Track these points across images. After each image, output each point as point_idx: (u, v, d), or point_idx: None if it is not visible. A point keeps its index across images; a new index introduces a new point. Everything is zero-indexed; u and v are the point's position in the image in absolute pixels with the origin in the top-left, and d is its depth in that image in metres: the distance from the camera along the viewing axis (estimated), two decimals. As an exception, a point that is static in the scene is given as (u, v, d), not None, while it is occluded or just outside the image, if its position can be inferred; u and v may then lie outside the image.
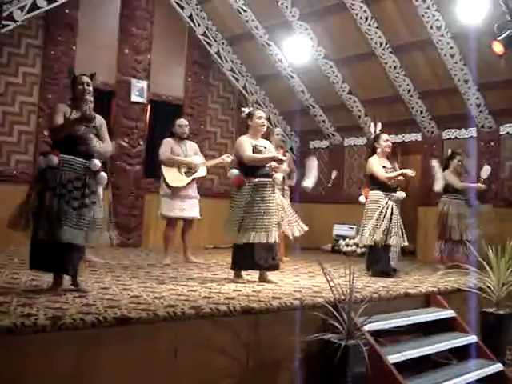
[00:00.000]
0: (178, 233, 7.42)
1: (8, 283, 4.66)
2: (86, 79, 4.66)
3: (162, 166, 7.16)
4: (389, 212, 6.66)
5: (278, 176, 5.74)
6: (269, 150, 5.78)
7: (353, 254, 9.64)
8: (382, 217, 6.65)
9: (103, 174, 4.63)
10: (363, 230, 6.75)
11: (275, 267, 5.75)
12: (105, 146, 4.73)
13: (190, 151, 7.36)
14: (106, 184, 4.90)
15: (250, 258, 5.58)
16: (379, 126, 7.18)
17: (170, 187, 7.11)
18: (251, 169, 5.60)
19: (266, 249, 5.58)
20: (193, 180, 7.26)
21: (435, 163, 8.20)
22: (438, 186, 8.05)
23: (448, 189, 8.00)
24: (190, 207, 7.22)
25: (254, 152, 5.61)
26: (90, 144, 4.58)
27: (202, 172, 7.35)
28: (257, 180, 5.57)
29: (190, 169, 7.23)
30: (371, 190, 6.90)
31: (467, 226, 7.84)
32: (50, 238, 4.31)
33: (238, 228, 5.52)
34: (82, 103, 4.58)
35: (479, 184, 8.01)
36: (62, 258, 4.42)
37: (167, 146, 7.19)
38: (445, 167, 8.14)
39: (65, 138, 4.47)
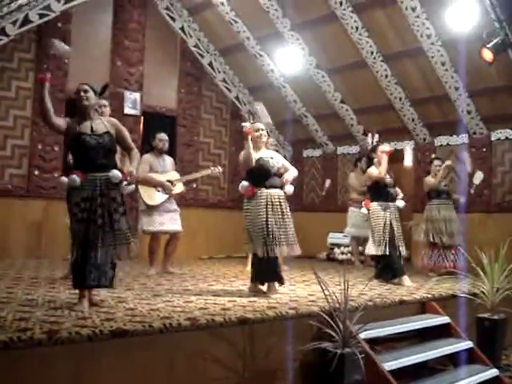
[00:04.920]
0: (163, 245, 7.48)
1: (4, 297, 4.65)
2: (83, 87, 4.54)
3: (139, 185, 7.16)
4: (392, 222, 6.81)
5: (289, 188, 5.74)
6: (276, 159, 5.74)
7: (348, 262, 9.67)
8: (386, 227, 6.79)
9: (125, 183, 4.53)
10: (371, 241, 6.88)
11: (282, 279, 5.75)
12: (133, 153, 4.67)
13: (169, 166, 7.46)
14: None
15: (272, 269, 5.57)
16: (376, 137, 7.23)
17: (146, 204, 7.17)
18: (261, 180, 5.59)
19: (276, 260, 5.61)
20: (170, 197, 7.28)
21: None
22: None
23: (431, 194, 8.07)
24: (169, 221, 7.25)
25: (257, 164, 5.62)
26: (108, 155, 4.51)
27: (178, 188, 7.38)
28: (269, 191, 5.57)
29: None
30: (372, 201, 7.00)
31: (455, 231, 7.88)
32: (88, 259, 4.24)
33: (263, 241, 5.44)
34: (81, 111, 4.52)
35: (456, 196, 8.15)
36: (101, 274, 4.35)
37: (146, 164, 7.21)
38: (427, 174, 8.23)
39: (80, 152, 4.42)
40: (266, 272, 5.59)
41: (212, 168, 7.61)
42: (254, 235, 5.51)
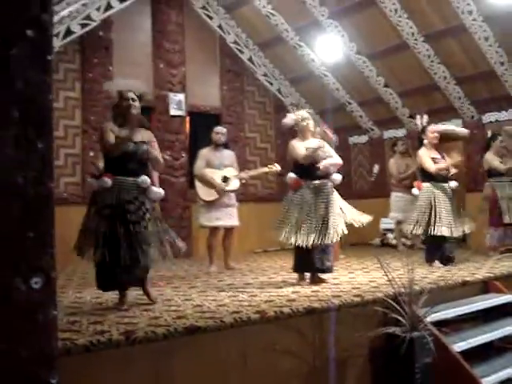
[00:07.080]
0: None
1: (74, 303, 4.80)
2: (131, 94, 4.65)
3: (196, 180, 7.28)
4: (441, 203, 6.71)
5: (337, 177, 5.74)
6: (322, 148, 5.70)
7: (412, 247, 9.55)
8: (430, 209, 6.70)
9: (154, 188, 4.66)
10: (416, 221, 6.78)
11: (331, 270, 5.76)
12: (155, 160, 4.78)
13: (227, 160, 7.39)
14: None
15: (309, 260, 5.57)
16: (425, 118, 7.16)
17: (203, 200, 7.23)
18: (308, 171, 5.61)
19: (322, 250, 5.60)
20: (225, 193, 7.28)
21: None
22: None
23: (492, 172, 7.93)
24: (226, 216, 7.25)
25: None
26: (141, 162, 4.64)
27: (234, 185, 7.32)
28: (315, 182, 5.59)
29: (224, 181, 7.23)
30: (423, 182, 6.93)
31: None
32: (118, 260, 4.34)
33: (296, 230, 5.51)
34: (129, 119, 4.59)
35: None
36: (128, 275, 4.48)
37: (202, 160, 7.25)
38: (486, 149, 8.09)
39: (117, 156, 4.51)
40: (307, 262, 5.62)
41: (269, 166, 7.48)
42: (297, 225, 5.51)
